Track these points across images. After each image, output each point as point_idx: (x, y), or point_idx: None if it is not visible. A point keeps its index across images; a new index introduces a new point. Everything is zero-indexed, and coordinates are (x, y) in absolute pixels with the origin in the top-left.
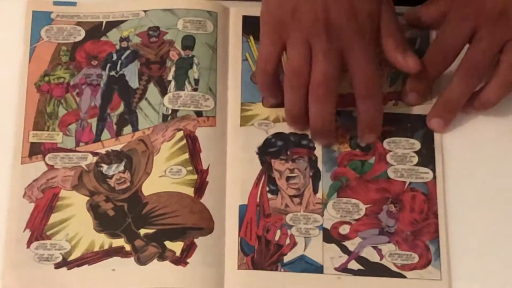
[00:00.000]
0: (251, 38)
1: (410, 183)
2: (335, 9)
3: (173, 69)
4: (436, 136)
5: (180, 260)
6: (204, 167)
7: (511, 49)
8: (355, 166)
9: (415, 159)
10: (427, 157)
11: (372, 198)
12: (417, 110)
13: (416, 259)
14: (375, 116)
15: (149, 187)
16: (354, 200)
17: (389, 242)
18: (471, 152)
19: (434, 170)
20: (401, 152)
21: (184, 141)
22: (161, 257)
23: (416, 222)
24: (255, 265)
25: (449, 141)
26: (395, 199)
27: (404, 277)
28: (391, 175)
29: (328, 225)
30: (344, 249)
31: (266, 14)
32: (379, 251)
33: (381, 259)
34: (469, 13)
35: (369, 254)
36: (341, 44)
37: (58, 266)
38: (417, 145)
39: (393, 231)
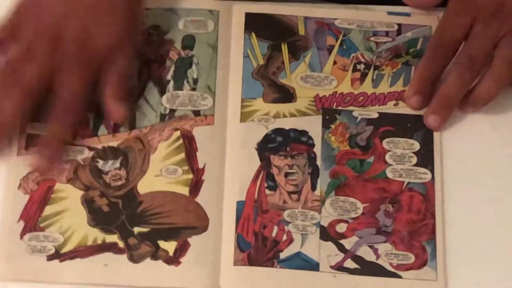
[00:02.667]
0: (253, 34)
1: (408, 183)
2: (70, 26)
3: (172, 68)
4: (436, 137)
5: (173, 260)
6: (200, 166)
7: (505, 44)
8: (354, 165)
9: (414, 160)
10: (426, 158)
11: (370, 197)
12: (417, 110)
13: (412, 259)
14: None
15: (144, 186)
16: (351, 199)
17: (385, 241)
18: (470, 154)
19: (432, 171)
20: (400, 152)
21: (181, 141)
22: (154, 257)
23: (413, 222)
24: (252, 261)
25: (448, 142)
26: (393, 198)
27: (399, 277)
28: (389, 174)
29: (325, 223)
30: (341, 248)
31: None
32: (375, 251)
33: (377, 259)
34: (466, 7)
35: (365, 253)
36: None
37: (50, 258)
38: (416, 145)
39: (390, 230)
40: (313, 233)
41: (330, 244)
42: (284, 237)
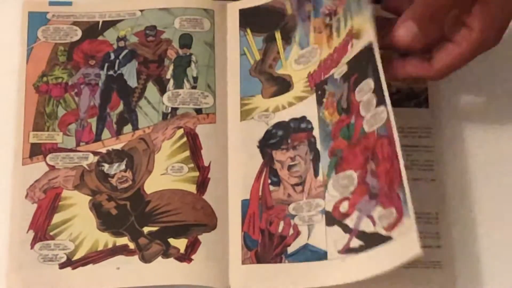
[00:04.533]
0: (249, 31)
1: (377, 130)
2: None
3: (171, 67)
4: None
5: (185, 257)
6: (206, 163)
7: None
8: (344, 133)
9: (374, 101)
10: (379, 93)
11: (359, 162)
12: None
13: (394, 214)
14: None
15: (151, 185)
16: (348, 172)
17: (376, 204)
18: None
19: (385, 105)
20: (365, 98)
21: (185, 139)
22: (166, 255)
23: (387, 173)
24: (259, 259)
25: None
26: (373, 154)
27: (391, 238)
28: (366, 128)
29: (329, 207)
30: (345, 228)
31: None
32: (371, 219)
33: (374, 226)
34: None
35: (365, 225)
36: None
37: (62, 266)
38: (371, 83)
39: (377, 191)
40: (319, 222)
41: (335, 228)
42: (291, 231)
